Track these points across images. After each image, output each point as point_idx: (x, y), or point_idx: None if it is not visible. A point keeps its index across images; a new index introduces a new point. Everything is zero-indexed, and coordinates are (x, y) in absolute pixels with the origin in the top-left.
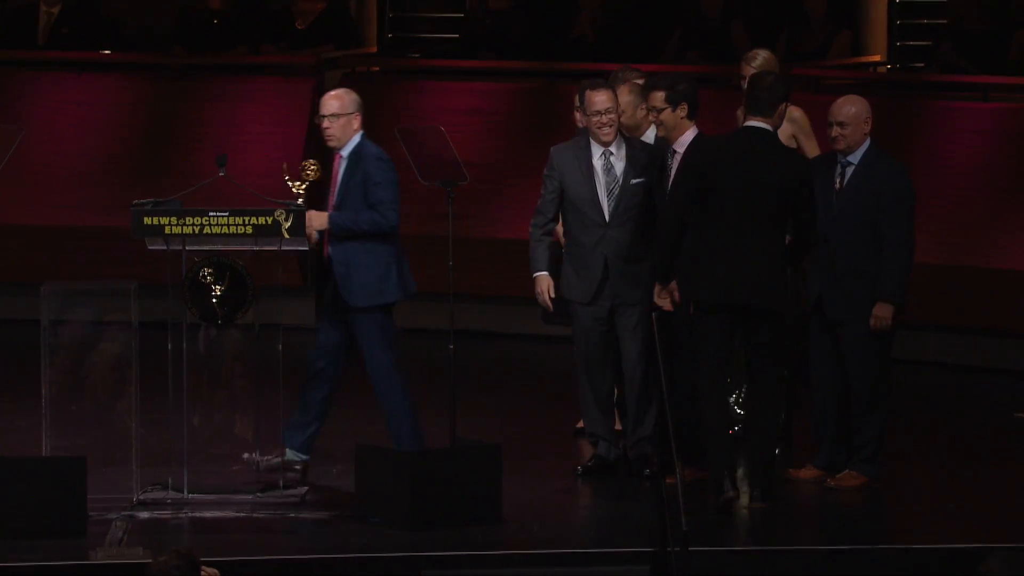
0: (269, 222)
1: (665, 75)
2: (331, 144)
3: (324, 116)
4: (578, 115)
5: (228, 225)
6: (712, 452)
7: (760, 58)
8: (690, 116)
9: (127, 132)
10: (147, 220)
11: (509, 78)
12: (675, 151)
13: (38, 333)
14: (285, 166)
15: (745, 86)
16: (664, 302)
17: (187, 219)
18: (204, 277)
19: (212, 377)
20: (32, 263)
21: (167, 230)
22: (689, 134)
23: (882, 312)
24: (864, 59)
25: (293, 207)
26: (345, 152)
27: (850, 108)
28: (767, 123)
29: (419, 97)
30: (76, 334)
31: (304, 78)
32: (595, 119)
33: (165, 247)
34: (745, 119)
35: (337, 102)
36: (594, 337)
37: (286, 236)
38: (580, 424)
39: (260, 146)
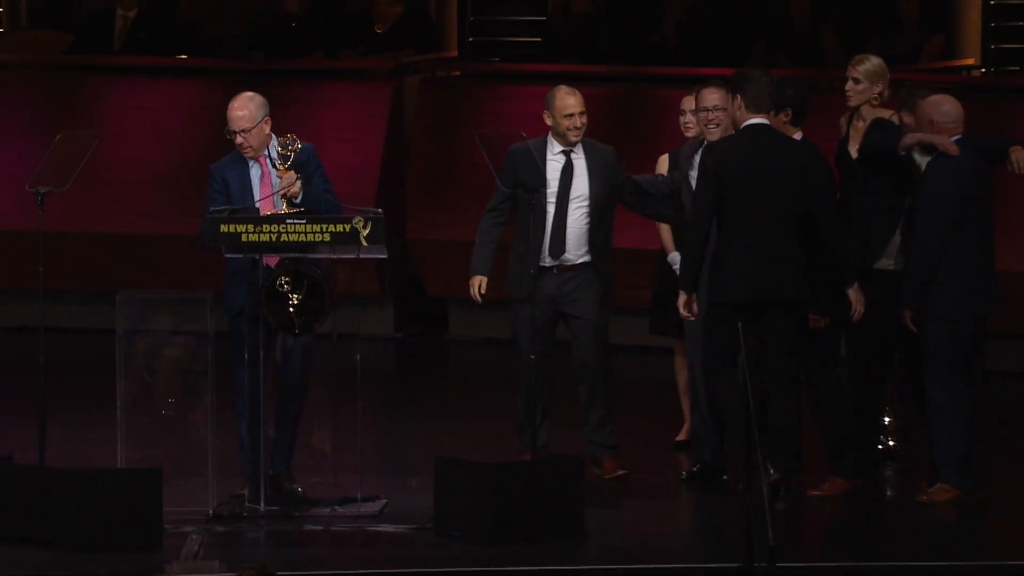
0: (347, 229)
1: (772, 79)
2: (249, 155)
3: (236, 132)
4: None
5: (306, 233)
6: (741, 443)
7: (869, 62)
8: (795, 122)
9: (203, 139)
10: (224, 228)
11: (591, 83)
12: None
13: (113, 343)
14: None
15: (847, 89)
16: (687, 313)
17: (264, 227)
18: (281, 286)
19: (291, 388)
20: (107, 271)
21: (244, 238)
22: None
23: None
24: (957, 63)
25: (372, 214)
26: (270, 153)
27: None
28: (766, 119)
29: (500, 102)
30: (151, 344)
31: (383, 82)
32: (702, 116)
33: (242, 255)
34: (743, 118)
35: (246, 114)
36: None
37: (364, 244)
38: (680, 436)
39: (337, 152)
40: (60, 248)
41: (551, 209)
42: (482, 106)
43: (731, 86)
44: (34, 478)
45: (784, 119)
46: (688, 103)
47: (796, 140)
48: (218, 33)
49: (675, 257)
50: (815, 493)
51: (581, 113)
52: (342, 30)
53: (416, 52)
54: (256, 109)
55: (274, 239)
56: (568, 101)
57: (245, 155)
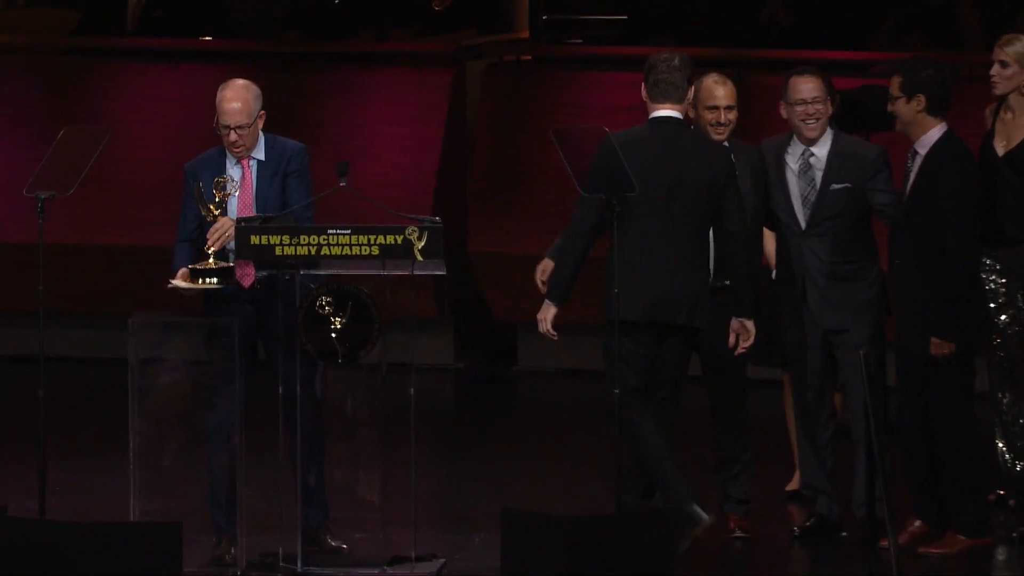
0: (399, 242)
1: (908, 60)
2: (239, 155)
3: (230, 127)
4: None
5: (350, 245)
6: (671, 482)
7: (1020, 43)
8: (932, 111)
9: None
10: (254, 239)
11: None
12: (916, 152)
13: (124, 374)
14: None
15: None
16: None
17: (302, 238)
18: (322, 307)
19: (331, 427)
20: (118, 290)
21: (278, 251)
22: (934, 133)
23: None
24: None
25: (427, 223)
26: (257, 154)
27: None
28: (678, 110)
29: (579, 91)
30: (170, 376)
31: (441, 69)
32: (799, 109)
33: (275, 271)
34: (652, 108)
35: (241, 106)
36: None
37: (419, 258)
38: (791, 486)
39: (388, 152)
40: (63, 263)
41: None
42: (558, 96)
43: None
44: (33, 532)
45: (917, 107)
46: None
47: (712, 141)
48: (248, 11)
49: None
50: (933, 552)
51: (728, 107)
52: (394, 8)
53: (480, 33)
54: (253, 101)
55: (313, 252)
56: (715, 92)
57: (235, 155)
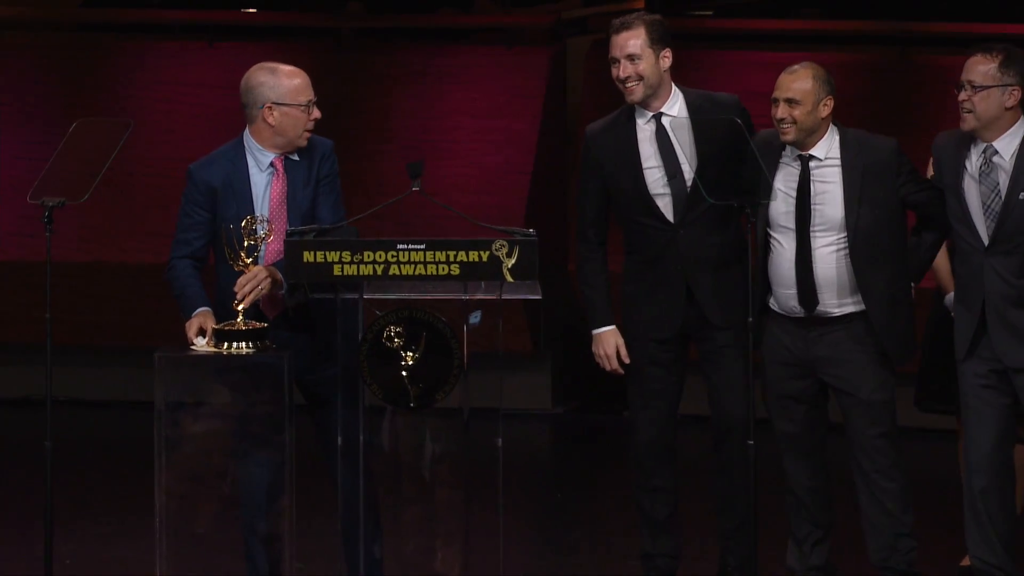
0: (484, 259)
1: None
2: (301, 143)
3: (313, 103)
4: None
5: (425, 263)
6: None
7: None
8: None
9: None
10: (307, 256)
11: (839, 46)
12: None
13: (149, 421)
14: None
15: None
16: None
17: (366, 254)
18: (390, 340)
19: (401, 488)
20: (142, 319)
21: (336, 270)
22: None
23: None
24: None
25: (520, 236)
26: (291, 154)
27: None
28: None
29: (706, 73)
30: (204, 423)
31: (538, 47)
32: (962, 95)
33: (333, 296)
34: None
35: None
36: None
37: (509, 279)
38: (966, 561)
39: (473, 147)
40: (75, 286)
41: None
42: (681, 79)
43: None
44: None
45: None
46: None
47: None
48: None
49: (951, 299)
50: None
51: (791, 101)
52: None
53: (585, 3)
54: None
55: (380, 272)
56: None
57: (300, 142)
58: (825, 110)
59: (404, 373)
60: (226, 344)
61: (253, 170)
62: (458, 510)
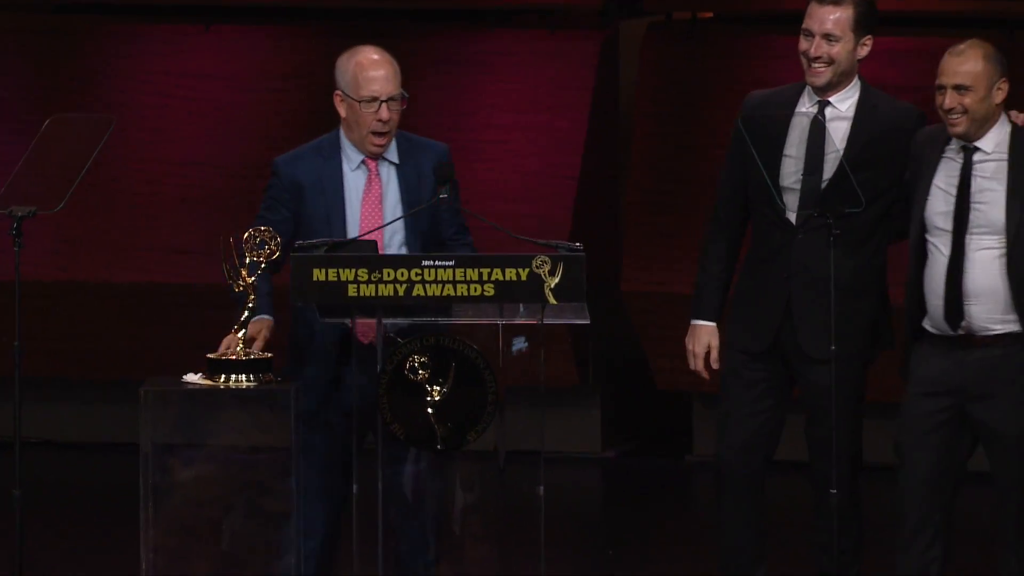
0: (524, 277)
1: None
2: (379, 149)
3: (382, 100)
4: None
5: (455, 283)
6: None
7: None
8: None
9: (284, 125)
10: (318, 274)
11: (933, 28)
12: None
13: (134, 466)
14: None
15: None
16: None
17: (386, 272)
18: (414, 371)
19: (427, 541)
20: (124, 347)
21: (351, 291)
22: None
23: None
24: None
25: (565, 251)
26: (389, 155)
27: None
28: None
29: (777, 61)
30: (198, 465)
31: (586, 31)
32: None
33: (347, 320)
34: None
35: (393, 74)
36: None
37: (552, 301)
38: None
39: (514, 146)
40: (49, 308)
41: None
42: (748, 70)
43: None
44: None
45: None
46: None
47: None
48: None
49: None
50: None
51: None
52: None
53: None
54: (398, 70)
55: (403, 293)
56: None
57: (373, 149)
58: (1000, 95)
59: (430, 410)
60: (223, 376)
61: (346, 168)
62: (494, 567)
